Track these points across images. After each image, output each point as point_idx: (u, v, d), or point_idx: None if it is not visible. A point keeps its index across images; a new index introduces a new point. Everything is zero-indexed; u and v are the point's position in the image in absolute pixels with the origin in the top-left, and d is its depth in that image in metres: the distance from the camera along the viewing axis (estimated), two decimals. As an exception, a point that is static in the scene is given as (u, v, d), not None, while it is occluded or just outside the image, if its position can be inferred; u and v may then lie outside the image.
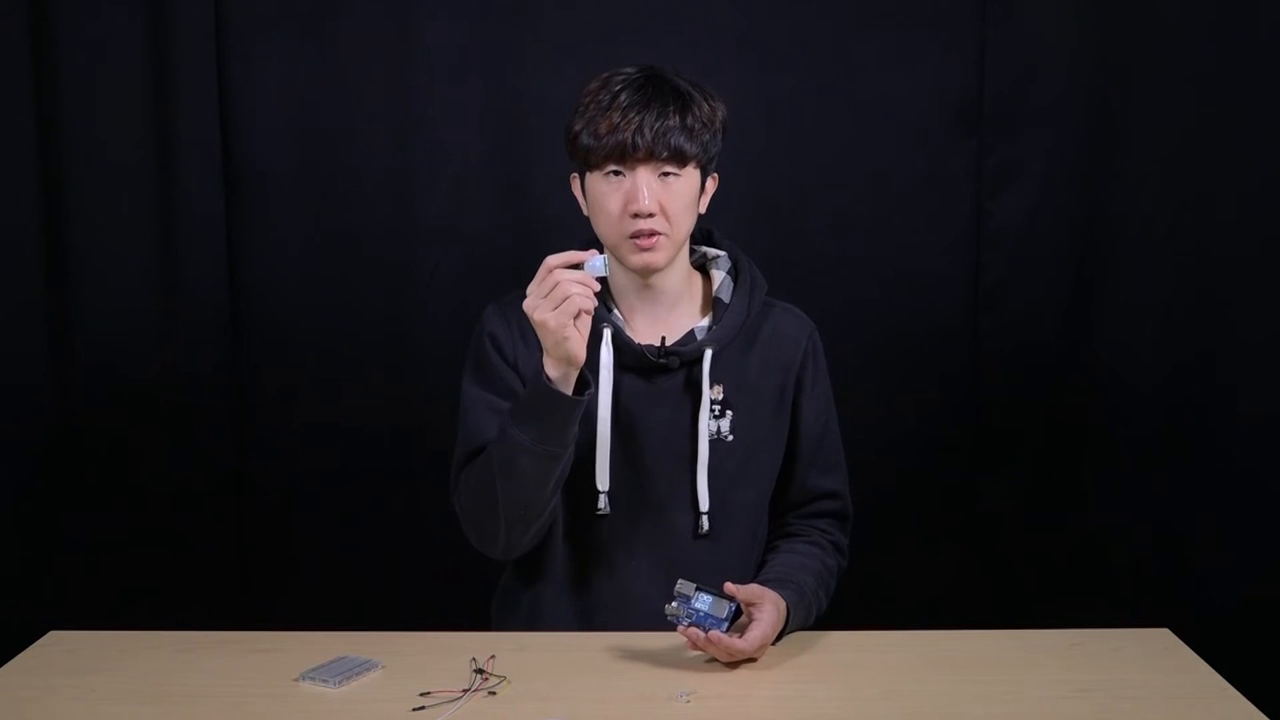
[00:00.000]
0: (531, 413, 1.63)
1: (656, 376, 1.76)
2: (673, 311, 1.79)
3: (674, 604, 1.58)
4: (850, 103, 2.49)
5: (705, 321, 1.79)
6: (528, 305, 1.58)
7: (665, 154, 1.65)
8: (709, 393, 1.75)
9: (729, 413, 1.76)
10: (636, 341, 1.74)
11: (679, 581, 1.58)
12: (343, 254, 2.54)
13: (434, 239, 2.53)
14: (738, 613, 1.59)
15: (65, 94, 2.48)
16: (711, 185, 1.76)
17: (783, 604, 1.63)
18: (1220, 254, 2.49)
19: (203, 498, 2.57)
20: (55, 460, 2.55)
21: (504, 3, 2.47)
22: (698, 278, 1.83)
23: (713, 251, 1.84)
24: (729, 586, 1.58)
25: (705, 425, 1.75)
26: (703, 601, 1.58)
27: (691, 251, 1.81)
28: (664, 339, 1.75)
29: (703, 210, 1.76)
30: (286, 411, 2.57)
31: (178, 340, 2.54)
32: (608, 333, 1.73)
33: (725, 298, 1.79)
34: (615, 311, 1.78)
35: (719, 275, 1.81)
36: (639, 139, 1.63)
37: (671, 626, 1.58)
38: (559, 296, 1.56)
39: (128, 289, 2.53)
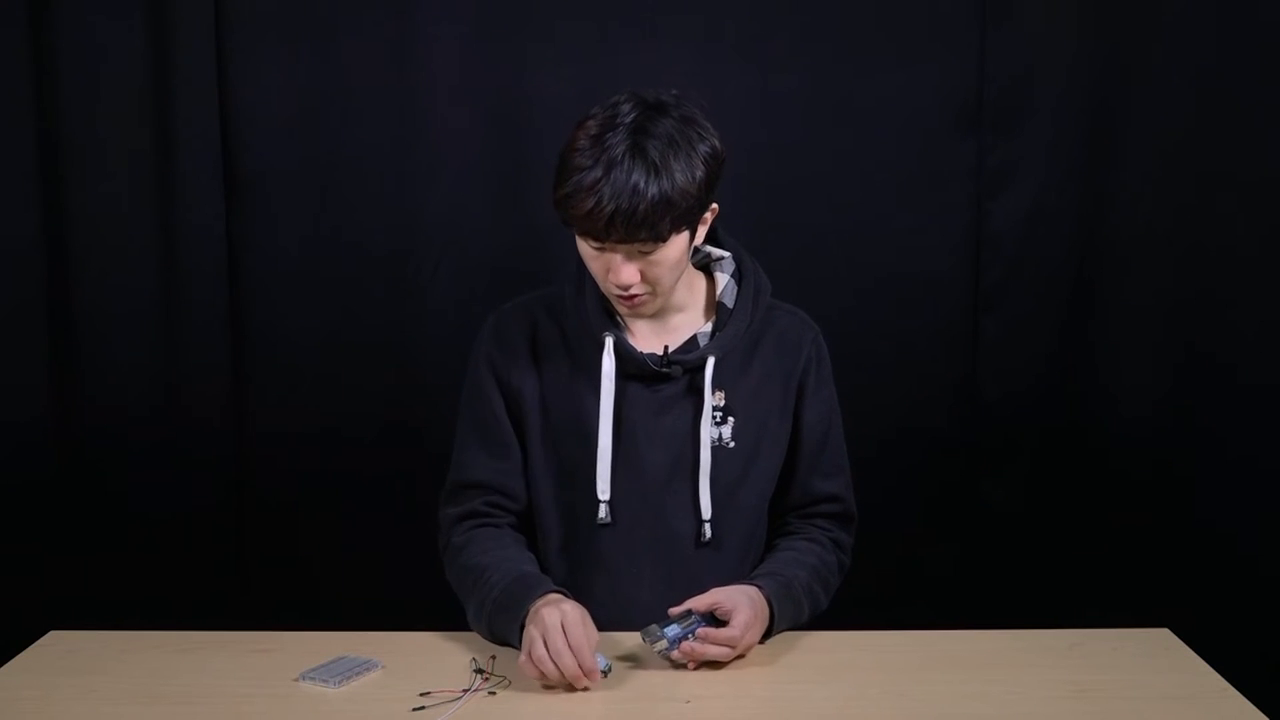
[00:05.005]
0: (492, 630, 1.67)
1: (658, 384, 1.75)
2: (675, 317, 1.78)
3: (656, 646, 1.58)
4: (850, 103, 2.49)
5: (708, 326, 1.78)
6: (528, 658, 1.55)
7: (641, 237, 1.60)
8: (711, 399, 1.74)
9: (731, 419, 1.75)
10: (639, 350, 1.74)
11: (640, 635, 1.60)
12: (343, 254, 2.54)
13: (434, 239, 2.52)
14: (712, 620, 1.61)
15: (65, 94, 2.48)
16: (710, 216, 1.72)
17: (755, 592, 1.64)
18: (1220, 254, 2.49)
19: (203, 497, 2.56)
20: (56, 460, 2.55)
21: (504, 3, 2.47)
22: (701, 280, 1.81)
23: (717, 252, 1.82)
24: (689, 604, 1.60)
25: (707, 432, 1.74)
26: (671, 630, 1.59)
27: (695, 251, 1.80)
28: (666, 348, 1.75)
29: (699, 241, 1.73)
30: (287, 411, 2.57)
31: (178, 340, 2.54)
32: (610, 341, 1.72)
33: (729, 302, 1.78)
34: (618, 317, 1.77)
35: (723, 279, 1.80)
36: (612, 230, 1.59)
37: (667, 647, 1.59)
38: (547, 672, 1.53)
39: (128, 288, 2.53)
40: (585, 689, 1.52)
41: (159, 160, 2.50)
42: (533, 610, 1.59)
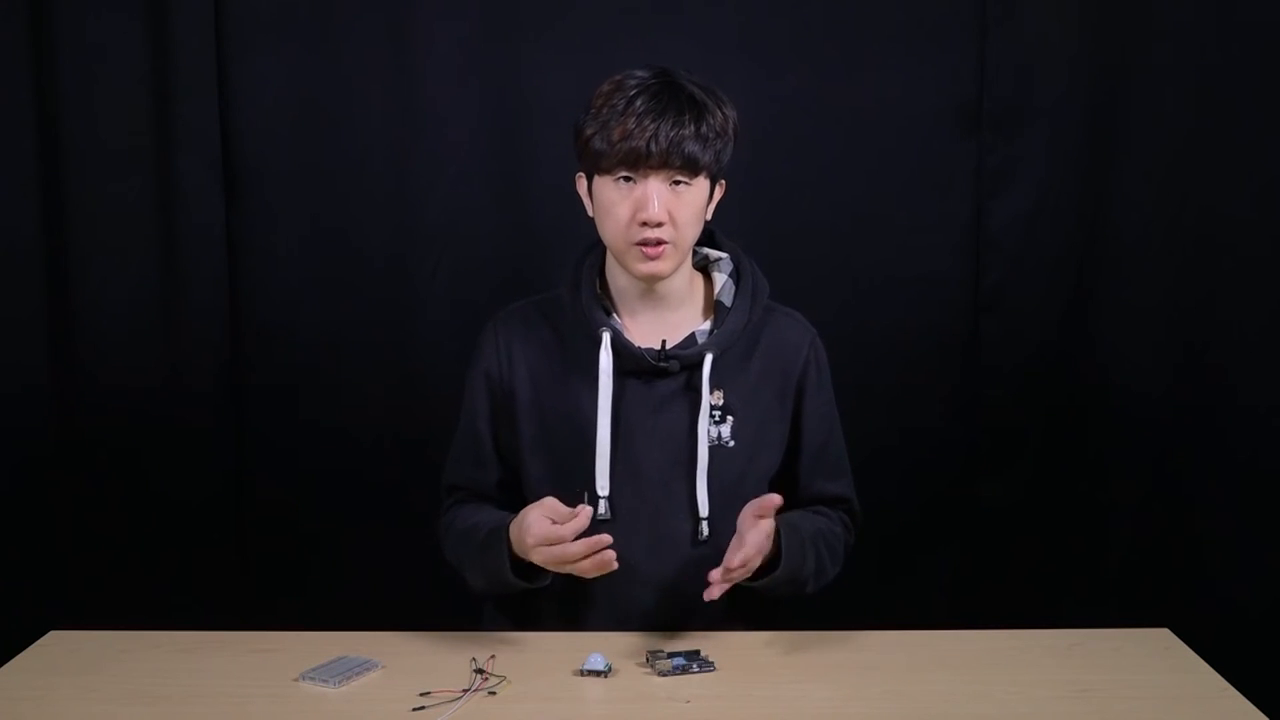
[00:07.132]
0: (486, 572, 1.70)
1: (656, 381, 1.75)
2: (674, 314, 1.78)
3: (660, 668, 1.58)
4: (851, 103, 2.49)
5: (706, 325, 1.78)
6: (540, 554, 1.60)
7: (678, 163, 1.63)
8: (709, 398, 1.74)
9: (729, 418, 1.75)
10: (636, 344, 1.74)
11: (647, 660, 1.61)
12: (342, 255, 2.54)
13: (433, 240, 2.52)
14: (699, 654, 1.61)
15: (65, 94, 2.48)
16: (719, 192, 1.75)
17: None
18: (1220, 254, 2.49)
19: (203, 497, 2.56)
20: (56, 460, 2.55)
21: (504, 4, 2.47)
22: (699, 280, 1.82)
23: (715, 254, 1.83)
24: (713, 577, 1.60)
25: (704, 430, 1.73)
26: (676, 659, 1.59)
27: (693, 253, 1.80)
28: (664, 342, 1.75)
29: (709, 217, 1.75)
30: (286, 411, 2.57)
31: (178, 341, 2.54)
32: (606, 337, 1.72)
33: (727, 301, 1.78)
34: (614, 315, 1.77)
35: (720, 278, 1.80)
36: (653, 146, 1.62)
37: (670, 669, 1.58)
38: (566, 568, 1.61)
39: (128, 289, 2.53)
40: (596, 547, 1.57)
41: (159, 160, 2.50)
42: (512, 537, 1.64)
